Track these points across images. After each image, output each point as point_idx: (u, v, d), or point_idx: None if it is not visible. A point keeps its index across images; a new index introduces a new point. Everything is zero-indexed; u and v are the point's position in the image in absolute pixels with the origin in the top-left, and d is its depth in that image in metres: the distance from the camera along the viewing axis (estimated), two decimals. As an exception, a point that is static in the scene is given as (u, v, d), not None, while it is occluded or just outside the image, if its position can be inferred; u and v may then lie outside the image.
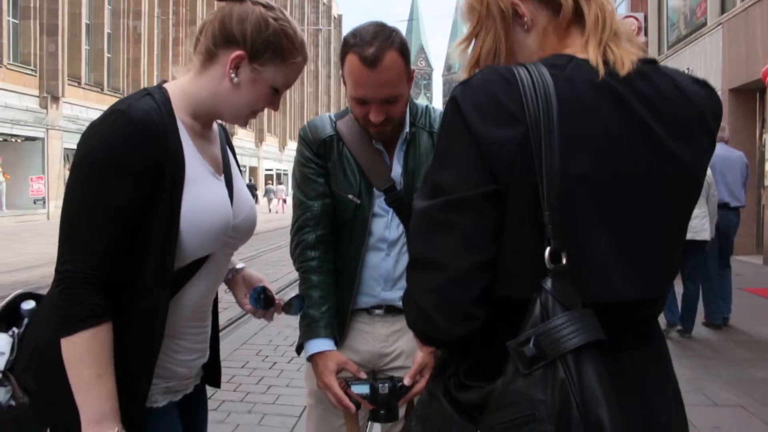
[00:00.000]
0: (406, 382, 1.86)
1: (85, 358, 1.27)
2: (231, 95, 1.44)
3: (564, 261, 0.94)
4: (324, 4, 66.25)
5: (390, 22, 1.87)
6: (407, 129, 1.98)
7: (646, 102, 1.02)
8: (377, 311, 2.02)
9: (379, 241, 1.99)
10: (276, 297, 1.70)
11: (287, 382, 4.87)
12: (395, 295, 2.00)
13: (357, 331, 2.03)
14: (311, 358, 1.91)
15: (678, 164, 1.03)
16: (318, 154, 2.00)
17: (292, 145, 51.93)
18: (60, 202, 1.34)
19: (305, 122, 2.07)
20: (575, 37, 1.09)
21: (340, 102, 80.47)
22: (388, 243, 1.98)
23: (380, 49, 1.75)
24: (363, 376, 1.89)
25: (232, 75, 1.42)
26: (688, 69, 13.65)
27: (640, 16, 17.88)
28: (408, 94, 1.91)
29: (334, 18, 72.22)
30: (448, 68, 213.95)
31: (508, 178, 0.95)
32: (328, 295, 1.95)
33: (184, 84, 1.46)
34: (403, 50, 1.81)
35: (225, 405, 4.35)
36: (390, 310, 2.01)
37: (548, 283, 0.93)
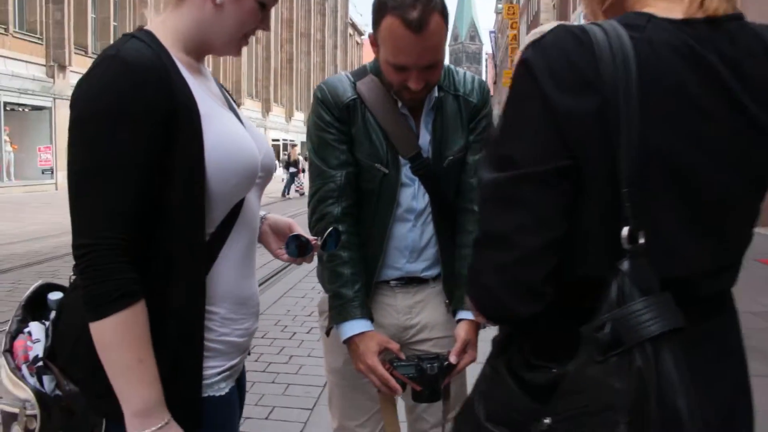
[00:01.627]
0: (452, 359, 1.79)
1: (123, 342, 1.14)
2: (217, 19, 1.31)
3: (641, 240, 0.89)
4: (330, -29, 65.44)
5: None
6: (435, 94, 1.87)
7: (732, 67, 0.94)
8: (395, 282, 1.94)
9: (407, 211, 1.89)
10: (311, 238, 1.59)
11: (308, 352, 4.88)
12: (419, 267, 1.94)
13: (380, 304, 1.95)
14: (349, 341, 1.80)
15: (763, 134, 0.96)
16: (340, 119, 1.85)
17: (299, 116, 51.72)
18: (68, 173, 1.24)
19: (313, 92, 1.94)
20: None
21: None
22: (415, 213, 1.90)
23: (425, 12, 1.62)
24: (402, 356, 1.81)
25: None
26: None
27: None
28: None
29: (340, -14, 71.42)
30: (455, 38, 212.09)
31: (583, 151, 0.90)
32: (360, 272, 1.85)
33: (164, 22, 1.33)
34: (445, 11, 1.69)
35: (248, 375, 4.34)
36: (411, 281, 1.94)
37: (625, 265, 0.88)
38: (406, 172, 1.87)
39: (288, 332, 5.50)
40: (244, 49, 1.45)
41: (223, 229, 1.31)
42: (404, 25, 1.63)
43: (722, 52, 0.94)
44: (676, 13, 0.96)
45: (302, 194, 23.36)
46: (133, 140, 1.16)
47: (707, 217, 0.96)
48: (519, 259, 0.93)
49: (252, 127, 1.45)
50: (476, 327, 1.85)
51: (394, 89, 1.79)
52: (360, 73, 1.90)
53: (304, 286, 7.14)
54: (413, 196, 1.89)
